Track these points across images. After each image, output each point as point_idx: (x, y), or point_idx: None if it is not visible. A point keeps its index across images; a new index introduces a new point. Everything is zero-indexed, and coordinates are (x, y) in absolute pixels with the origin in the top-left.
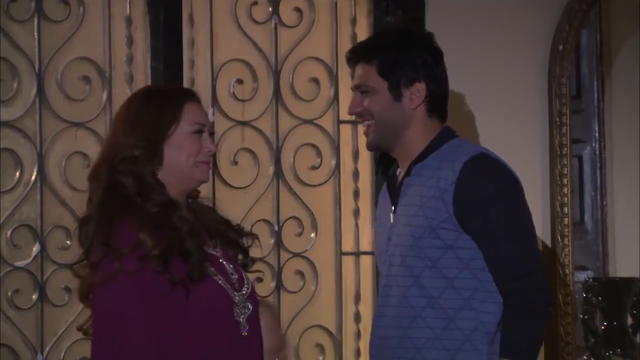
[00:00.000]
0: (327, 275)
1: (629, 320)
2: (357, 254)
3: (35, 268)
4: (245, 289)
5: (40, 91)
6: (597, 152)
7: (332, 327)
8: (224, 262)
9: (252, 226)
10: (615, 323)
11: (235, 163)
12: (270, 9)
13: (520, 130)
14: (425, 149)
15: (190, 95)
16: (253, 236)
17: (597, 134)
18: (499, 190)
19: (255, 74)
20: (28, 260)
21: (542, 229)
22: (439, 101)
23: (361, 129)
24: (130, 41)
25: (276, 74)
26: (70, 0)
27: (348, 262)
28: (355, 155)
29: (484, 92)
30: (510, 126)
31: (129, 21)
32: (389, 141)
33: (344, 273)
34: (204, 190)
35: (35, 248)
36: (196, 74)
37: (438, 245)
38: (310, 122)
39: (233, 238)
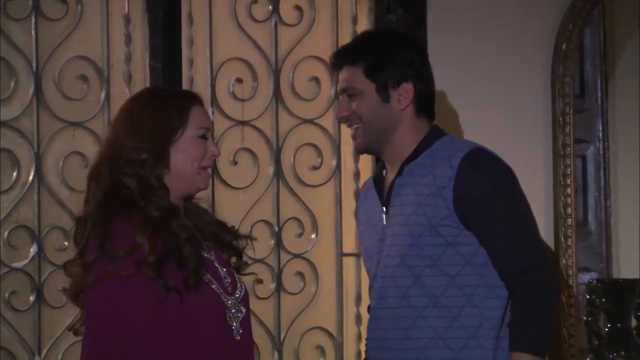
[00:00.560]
0: (327, 277)
1: (633, 322)
2: (358, 255)
3: (33, 269)
4: (239, 292)
5: (38, 90)
6: (601, 152)
7: (333, 329)
8: (218, 266)
9: (252, 227)
10: (619, 325)
11: (235, 163)
12: (270, 7)
13: (523, 129)
14: (416, 149)
15: (196, 99)
16: (249, 238)
17: (600, 134)
18: (499, 185)
19: (255, 73)
20: (25, 262)
21: (545, 230)
22: (426, 101)
23: None
24: (128, 40)
25: (276, 73)
26: None
27: (349, 263)
28: (356, 155)
29: (486, 92)
30: (513, 126)
31: (127, 19)
32: (378, 143)
33: (344, 274)
34: (204, 190)
35: (33, 249)
36: (195, 73)
37: (439, 242)
38: (310, 121)
39: (227, 240)
